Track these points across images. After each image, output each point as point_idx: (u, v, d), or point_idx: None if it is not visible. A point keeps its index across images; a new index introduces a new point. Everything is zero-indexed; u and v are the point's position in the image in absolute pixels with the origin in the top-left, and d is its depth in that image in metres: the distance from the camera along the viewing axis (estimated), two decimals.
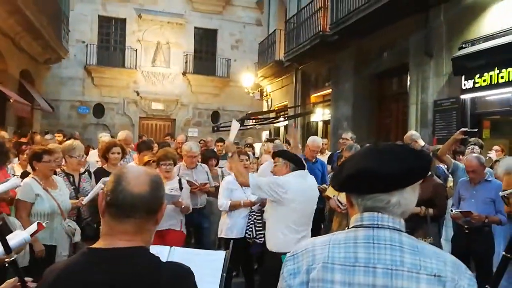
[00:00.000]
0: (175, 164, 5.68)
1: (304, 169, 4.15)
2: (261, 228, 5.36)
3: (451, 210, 5.17)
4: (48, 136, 8.51)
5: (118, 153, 5.58)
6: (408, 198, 1.41)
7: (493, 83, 7.40)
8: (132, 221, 1.43)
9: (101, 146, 6.55)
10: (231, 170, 4.37)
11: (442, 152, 5.93)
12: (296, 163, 4.13)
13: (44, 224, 3.65)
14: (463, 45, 7.99)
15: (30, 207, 4.24)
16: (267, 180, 4.07)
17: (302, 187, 4.02)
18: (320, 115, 14.98)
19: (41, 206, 4.26)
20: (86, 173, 5.40)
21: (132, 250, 1.42)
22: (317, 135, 14.04)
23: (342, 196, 4.78)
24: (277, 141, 9.45)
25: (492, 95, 7.82)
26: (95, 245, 1.45)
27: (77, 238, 4.56)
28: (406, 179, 1.40)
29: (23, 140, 8.56)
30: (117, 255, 1.41)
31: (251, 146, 9.18)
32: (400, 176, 1.39)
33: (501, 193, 4.95)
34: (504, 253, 1.98)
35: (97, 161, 6.77)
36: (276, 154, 4.40)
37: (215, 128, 18.95)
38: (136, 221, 1.44)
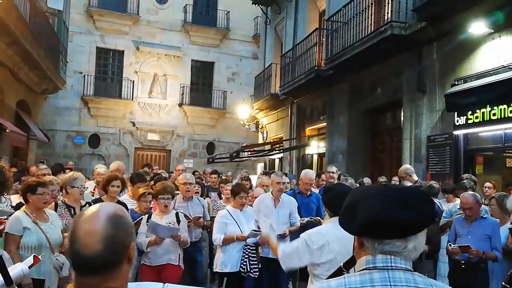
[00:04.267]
0: (172, 198, 5.68)
1: None
2: (255, 262, 5.33)
3: (450, 245, 5.18)
4: (42, 166, 8.44)
5: (118, 186, 5.58)
6: (421, 241, 1.46)
7: (485, 120, 7.49)
8: (94, 276, 1.36)
9: (101, 178, 6.55)
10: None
11: (443, 230, 6.05)
12: (330, 209, 3.44)
13: (40, 257, 3.65)
14: (456, 82, 8.11)
15: (19, 240, 4.20)
16: (297, 244, 3.42)
17: (338, 234, 3.16)
18: (315, 148, 15.03)
19: (29, 239, 4.22)
20: (87, 205, 5.37)
21: None
22: (312, 168, 14.09)
23: None
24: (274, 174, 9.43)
25: (485, 131, 7.91)
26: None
27: (65, 272, 4.50)
28: (421, 225, 1.44)
29: (13, 170, 8.50)
30: None
31: (248, 179, 9.18)
32: (417, 224, 1.43)
33: (509, 226, 5.03)
34: (503, 283, 2.00)
35: (92, 192, 6.76)
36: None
37: (210, 160, 19.04)
38: (98, 275, 1.37)
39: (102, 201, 5.35)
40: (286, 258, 3.43)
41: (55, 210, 4.82)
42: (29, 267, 3.31)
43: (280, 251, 3.51)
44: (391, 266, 1.41)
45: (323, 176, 8.12)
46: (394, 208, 1.39)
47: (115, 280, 1.39)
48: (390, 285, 1.39)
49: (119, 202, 5.62)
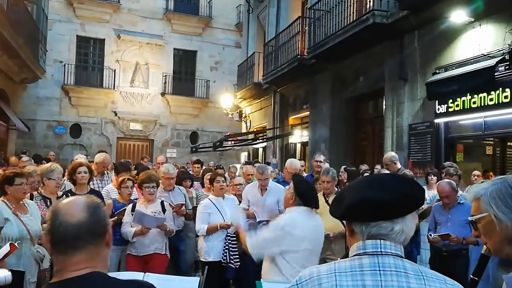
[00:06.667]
0: (157, 186, 5.63)
1: (311, 208, 3.62)
2: (236, 252, 5.33)
3: (430, 234, 5.24)
4: (24, 158, 8.32)
5: (85, 172, 5.42)
6: (409, 225, 1.47)
7: (465, 108, 7.59)
8: (79, 252, 1.39)
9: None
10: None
11: (423, 217, 6.10)
12: (304, 199, 3.56)
13: (16, 244, 3.62)
14: (437, 71, 8.19)
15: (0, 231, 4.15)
16: (268, 235, 3.51)
17: (309, 223, 3.50)
18: (298, 136, 15.08)
19: (10, 230, 4.16)
20: (64, 196, 5.29)
21: (86, 276, 1.37)
22: (295, 157, 14.12)
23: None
24: (257, 164, 9.43)
25: (465, 119, 8.01)
26: (52, 281, 1.42)
27: (46, 264, 4.45)
28: (407, 206, 1.47)
29: None
30: (72, 284, 1.37)
31: (222, 168, 9.22)
32: (402, 203, 1.45)
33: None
34: (471, 276, 2.02)
35: None
36: (293, 179, 3.90)
37: (194, 149, 18.98)
38: (84, 250, 1.39)
39: (72, 193, 5.24)
40: (259, 247, 3.53)
41: None
42: (6, 255, 3.29)
43: (250, 242, 3.59)
44: (381, 251, 1.43)
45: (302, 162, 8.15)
46: (378, 190, 1.45)
47: (100, 260, 1.43)
48: (379, 270, 1.40)
49: (92, 191, 5.55)
